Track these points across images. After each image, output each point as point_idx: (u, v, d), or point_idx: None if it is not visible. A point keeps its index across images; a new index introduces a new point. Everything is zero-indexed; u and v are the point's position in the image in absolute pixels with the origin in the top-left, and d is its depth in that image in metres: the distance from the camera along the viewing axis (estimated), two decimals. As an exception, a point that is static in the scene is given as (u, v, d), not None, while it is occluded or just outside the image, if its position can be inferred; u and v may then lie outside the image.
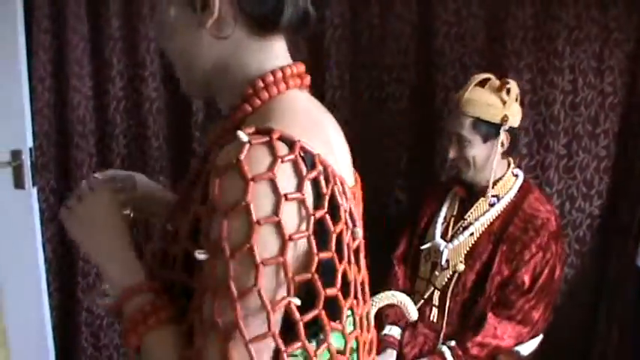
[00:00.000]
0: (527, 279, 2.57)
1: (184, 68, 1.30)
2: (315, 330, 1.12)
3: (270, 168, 1.04)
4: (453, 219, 2.77)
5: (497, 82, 2.63)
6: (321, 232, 1.10)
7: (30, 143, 3.27)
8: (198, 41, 1.22)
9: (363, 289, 1.24)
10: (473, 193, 2.74)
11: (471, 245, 2.67)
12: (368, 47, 3.22)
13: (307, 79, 1.28)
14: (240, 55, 1.22)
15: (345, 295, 1.15)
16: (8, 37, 3.16)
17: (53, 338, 3.48)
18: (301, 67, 1.26)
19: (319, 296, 1.09)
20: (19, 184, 3.26)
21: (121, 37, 3.36)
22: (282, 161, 1.06)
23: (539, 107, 2.98)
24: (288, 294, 1.06)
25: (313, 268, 1.08)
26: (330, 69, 3.24)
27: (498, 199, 2.68)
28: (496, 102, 2.59)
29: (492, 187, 2.67)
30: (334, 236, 1.11)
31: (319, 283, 1.09)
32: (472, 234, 2.67)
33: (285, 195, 1.04)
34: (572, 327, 3.02)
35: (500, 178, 2.69)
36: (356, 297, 1.19)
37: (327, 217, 1.10)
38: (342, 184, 1.17)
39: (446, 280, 2.68)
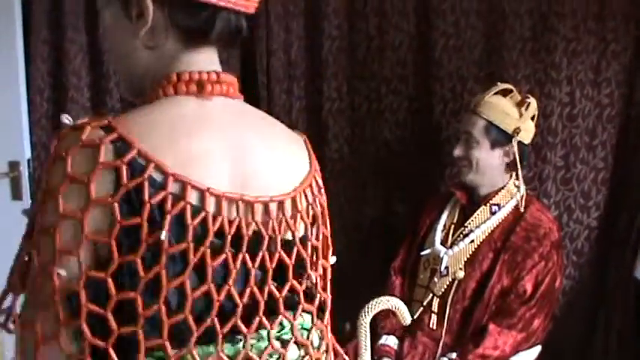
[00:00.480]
0: (529, 287, 2.57)
1: (122, 72, 1.35)
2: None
3: (69, 148, 1.09)
4: (453, 226, 2.77)
5: (518, 97, 2.68)
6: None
7: (28, 154, 3.27)
8: (133, 48, 1.25)
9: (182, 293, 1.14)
10: (474, 200, 2.75)
11: (471, 252, 2.67)
12: (366, 59, 3.22)
13: (232, 89, 1.26)
14: (168, 64, 1.25)
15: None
16: (6, 47, 3.16)
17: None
18: (227, 77, 1.26)
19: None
20: (16, 195, 3.25)
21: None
22: (83, 146, 1.09)
23: (537, 119, 2.98)
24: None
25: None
26: (328, 80, 3.25)
27: (499, 208, 2.69)
28: (513, 112, 2.63)
29: (494, 197, 2.69)
30: (118, 226, 1.09)
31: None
32: (472, 241, 2.67)
33: (70, 176, 1.08)
34: (571, 338, 3.02)
35: (502, 188, 2.70)
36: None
37: (116, 205, 1.09)
38: (184, 184, 1.13)
39: (445, 287, 2.67)
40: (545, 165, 3.01)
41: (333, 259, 1.42)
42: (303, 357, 1.28)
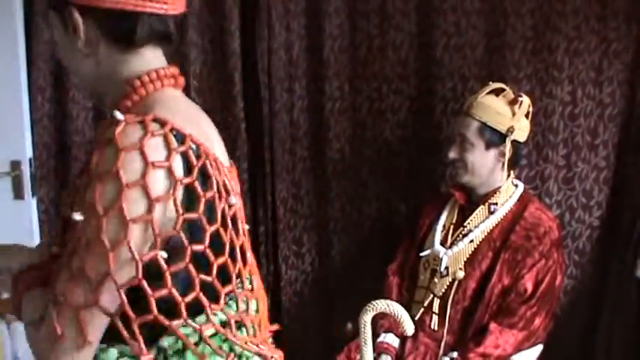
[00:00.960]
0: (529, 286, 2.57)
1: (80, 82, 1.65)
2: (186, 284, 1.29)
3: (141, 140, 1.22)
4: (452, 226, 2.77)
5: (511, 95, 2.68)
6: (189, 197, 1.28)
7: (29, 154, 3.27)
8: (78, 59, 1.43)
9: (242, 253, 1.42)
10: (472, 200, 2.75)
11: (470, 252, 2.67)
12: (367, 58, 3.22)
13: (181, 80, 1.48)
14: (111, 65, 1.42)
15: (218, 254, 1.33)
16: (8, 47, 3.16)
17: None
18: (175, 70, 1.47)
19: (185, 250, 1.26)
20: (18, 194, 3.26)
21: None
22: (153, 135, 1.24)
23: (538, 118, 2.97)
24: (156, 248, 1.22)
25: (178, 226, 1.24)
26: (330, 80, 3.25)
27: (498, 207, 2.69)
28: (506, 112, 2.64)
29: (492, 196, 2.69)
30: (203, 200, 1.28)
31: (184, 239, 1.26)
32: (472, 241, 2.67)
33: (153, 163, 1.21)
34: (573, 337, 3.02)
35: (499, 187, 2.70)
36: (234, 258, 1.38)
37: (197, 184, 1.28)
38: (215, 161, 1.35)
39: (445, 287, 2.67)
40: (547, 164, 3.01)
41: None
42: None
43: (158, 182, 1.23)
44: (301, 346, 3.45)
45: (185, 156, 1.28)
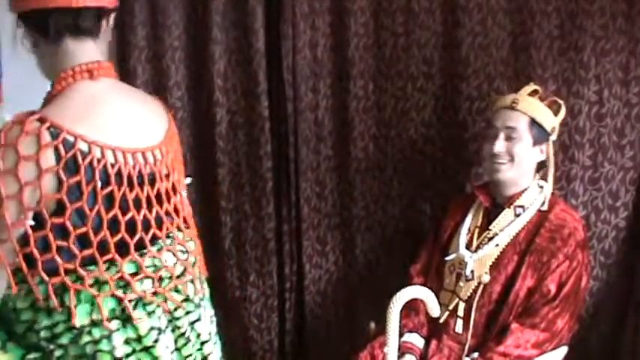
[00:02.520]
0: (553, 287, 2.56)
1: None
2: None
3: (16, 139, 1.55)
4: (477, 229, 2.76)
5: (549, 97, 2.75)
6: (59, 181, 1.58)
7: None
8: (36, 58, 1.78)
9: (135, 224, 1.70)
10: (497, 203, 2.74)
11: (496, 256, 2.65)
12: (392, 57, 3.21)
13: (100, 72, 1.71)
14: (49, 61, 1.74)
15: (81, 225, 1.62)
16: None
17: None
18: (94, 65, 1.70)
19: (46, 222, 1.58)
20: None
21: (146, 47, 3.39)
22: (27, 134, 1.55)
23: (564, 118, 2.95)
24: (26, 218, 1.57)
25: (41, 204, 1.58)
26: (354, 79, 3.25)
27: (524, 210, 2.67)
28: (549, 111, 2.69)
29: (518, 198, 2.67)
30: (66, 184, 1.57)
31: (45, 213, 1.58)
32: (497, 245, 2.66)
33: (23, 156, 1.55)
34: (598, 340, 2.99)
35: (525, 189, 2.69)
36: (114, 230, 1.66)
37: (61, 172, 1.57)
38: (103, 149, 1.63)
39: (470, 291, 2.66)
40: (573, 164, 2.98)
41: (188, 180, 1.94)
42: (176, 261, 1.79)
43: (27, 171, 1.55)
44: (324, 345, 3.45)
45: (56, 149, 1.57)
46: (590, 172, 2.98)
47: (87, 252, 1.62)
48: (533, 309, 2.57)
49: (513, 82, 2.95)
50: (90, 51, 1.72)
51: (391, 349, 2.26)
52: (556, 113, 2.71)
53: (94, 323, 1.64)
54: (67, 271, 1.61)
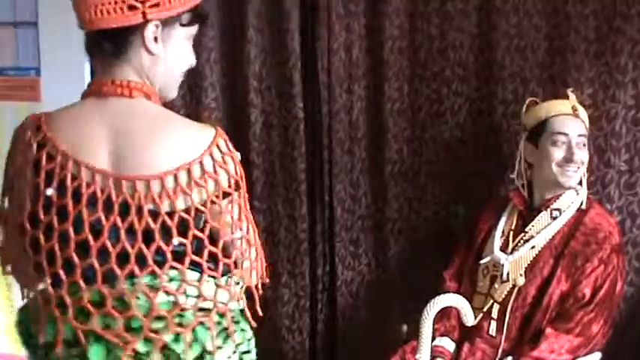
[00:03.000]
0: (587, 292, 2.54)
1: None
2: None
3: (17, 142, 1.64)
4: (512, 232, 2.74)
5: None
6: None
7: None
8: None
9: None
10: (533, 205, 2.73)
11: (531, 259, 2.64)
12: (427, 59, 3.21)
13: (92, 89, 1.66)
14: None
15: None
16: (73, 45, 3.16)
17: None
18: (94, 83, 1.68)
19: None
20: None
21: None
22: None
23: (600, 122, 2.93)
24: None
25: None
26: (389, 81, 3.24)
27: (560, 213, 2.66)
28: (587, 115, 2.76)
29: (555, 201, 2.67)
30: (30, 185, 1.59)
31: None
32: (533, 247, 2.65)
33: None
34: (632, 346, 2.96)
35: (562, 192, 2.68)
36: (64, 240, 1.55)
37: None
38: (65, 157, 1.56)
39: (505, 293, 2.65)
40: (609, 169, 2.96)
41: (237, 234, 1.66)
42: (173, 303, 1.56)
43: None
44: (356, 347, 3.45)
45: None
46: (626, 176, 2.96)
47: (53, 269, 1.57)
48: (568, 314, 2.55)
49: (549, 85, 2.94)
50: (105, 68, 1.65)
51: (424, 356, 2.26)
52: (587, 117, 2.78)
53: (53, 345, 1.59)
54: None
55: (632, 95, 2.90)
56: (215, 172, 1.60)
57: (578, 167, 2.67)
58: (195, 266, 1.57)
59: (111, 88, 1.62)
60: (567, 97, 2.75)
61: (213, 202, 1.58)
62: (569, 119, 2.70)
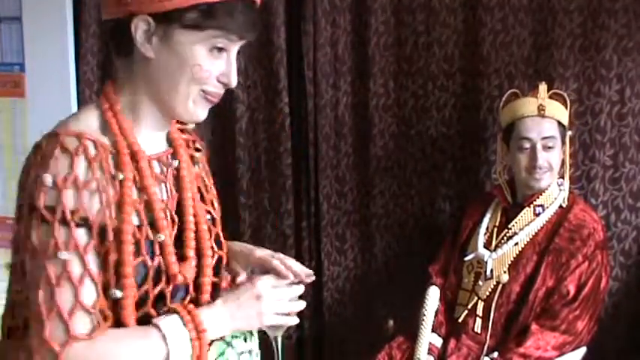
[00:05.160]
0: (572, 288, 2.55)
1: None
2: None
3: None
4: (496, 229, 2.75)
5: (557, 92, 2.74)
6: None
7: (76, 146, 3.32)
8: None
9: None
10: (516, 202, 2.73)
11: (515, 255, 2.65)
12: (412, 55, 3.21)
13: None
14: None
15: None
16: (57, 41, 3.22)
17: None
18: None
19: None
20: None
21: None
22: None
23: (585, 117, 2.94)
24: None
25: None
26: (375, 76, 3.24)
27: (543, 209, 2.67)
28: (563, 107, 2.71)
29: (538, 197, 2.67)
30: None
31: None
32: (517, 244, 2.65)
33: None
34: (617, 340, 2.98)
35: (545, 189, 2.68)
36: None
37: None
38: None
39: (489, 290, 2.65)
40: (594, 164, 2.97)
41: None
42: None
43: None
44: (342, 342, 3.45)
45: None
46: (610, 171, 2.97)
47: None
48: (553, 310, 2.56)
49: (534, 80, 2.94)
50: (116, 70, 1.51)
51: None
52: (566, 106, 2.73)
53: None
54: None
55: (616, 90, 2.91)
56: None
57: (547, 170, 2.66)
58: None
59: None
60: (536, 94, 2.72)
61: None
62: (534, 121, 2.68)
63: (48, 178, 1.31)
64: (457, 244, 2.86)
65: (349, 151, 3.37)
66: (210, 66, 1.43)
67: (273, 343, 1.65)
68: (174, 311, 1.43)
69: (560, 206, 2.68)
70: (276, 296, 1.57)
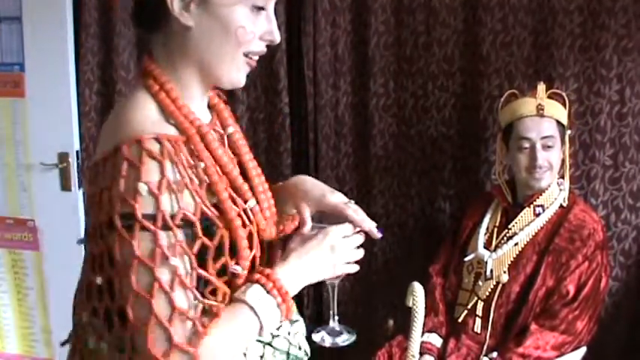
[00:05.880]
0: (572, 288, 2.55)
1: None
2: None
3: None
4: (496, 229, 2.75)
5: (556, 92, 2.75)
6: None
7: (77, 146, 3.32)
8: None
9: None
10: (516, 202, 2.73)
11: (515, 256, 2.65)
12: (412, 55, 3.21)
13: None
14: None
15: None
16: (57, 41, 3.21)
17: (95, 339, 3.51)
18: None
19: None
20: (65, 186, 3.31)
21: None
22: None
23: (585, 117, 2.94)
24: None
25: None
26: (375, 76, 3.24)
27: (544, 209, 2.67)
28: (562, 107, 2.71)
29: (538, 197, 2.67)
30: None
31: None
32: (516, 244, 2.66)
33: None
34: (617, 340, 2.98)
35: (545, 189, 2.68)
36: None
37: None
38: None
39: (489, 290, 2.66)
40: (594, 164, 2.97)
41: None
42: None
43: None
44: (342, 342, 3.45)
45: None
46: (610, 171, 2.97)
47: None
48: (553, 310, 2.56)
49: (534, 80, 2.94)
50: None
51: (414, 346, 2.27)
52: (565, 106, 2.74)
53: None
54: None
55: (616, 90, 2.91)
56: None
57: (547, 169, 2.67)
58: None
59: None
60: (535, 93, 2.72)
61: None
62: (533, 121, 2.68)
63: (143, 187, 1.25)
64: (457, 244, 2.86)
65: (349, 151, 3.37)
66: (253, 26, 1.39)
67: (330, 291, 1.67)
68: (253, 280, 1.40)
69: (561, 206, 2.68)
70: (349, 246, 1.56)
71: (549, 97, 2.70)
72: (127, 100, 1.42)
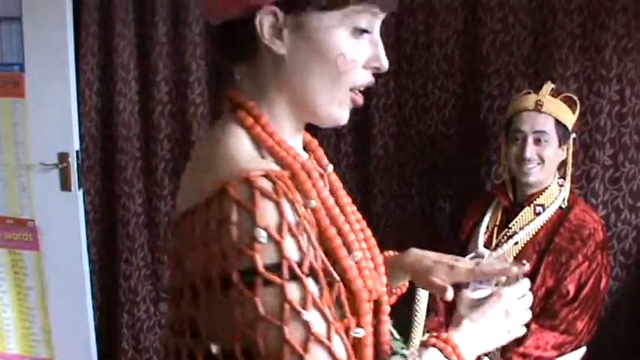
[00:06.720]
0: (572, 288, 2.55)
1: None
2: None
3: None
4: (496, 228, 2.75)
5: (561, 94, 2.73)
6: None
7: (77, 146, 3.32)
8: None
9: None
10: (517, 201, 2.73)
11: (515, 255, 2.65)
12: (412, 55, 3.21)
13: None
14: None
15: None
16: (57, 41, 3.21)
17: (95, 339, 3.51)
18: None
19: None
20: (65, 186, 3.31)
21: (167, 43, 3.40)
22: None
23: (585, 117, 2.94)
24: None
25: None
26: (374, 76, 3.23)
27: (544, 209, 2.67)
28: (569, 110, 2.71)
29: (538, 197, 2.67)
30: None
31: None
32: (517, 243, 2.66)
33: None
34: (617, 340, 2.98)
35: (546, 188, 2.68)
36: None
37: None
38: None
39: (489, 289, 2.65)
40: (594, 164, 2.97)
41: None
42: None
43: None
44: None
45: None
46: (610, 171, 2.97)
47: None
48: (553, 310, 2.56)
49: (534, 80, 2.94)
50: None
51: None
52: (573, 110, 2.72)
53: None
54: None
55: (616, 90, 2.91)
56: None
57: (538, 163, 2.67)
58: None
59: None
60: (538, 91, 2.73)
61: None
62: (529, 115, 2.69)
63: (262, 233, 1.04)
64: (458, 243, 2.86)
65: (349, 151, 3.36)
66: (355, 53, 1.20)
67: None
68: (428, 344, 1.25)
69: (561, 206, 2.68)
70: (523, 307, 1.42)
71: (554, 96, 2.69)
72: (216, 135, 1.21)
